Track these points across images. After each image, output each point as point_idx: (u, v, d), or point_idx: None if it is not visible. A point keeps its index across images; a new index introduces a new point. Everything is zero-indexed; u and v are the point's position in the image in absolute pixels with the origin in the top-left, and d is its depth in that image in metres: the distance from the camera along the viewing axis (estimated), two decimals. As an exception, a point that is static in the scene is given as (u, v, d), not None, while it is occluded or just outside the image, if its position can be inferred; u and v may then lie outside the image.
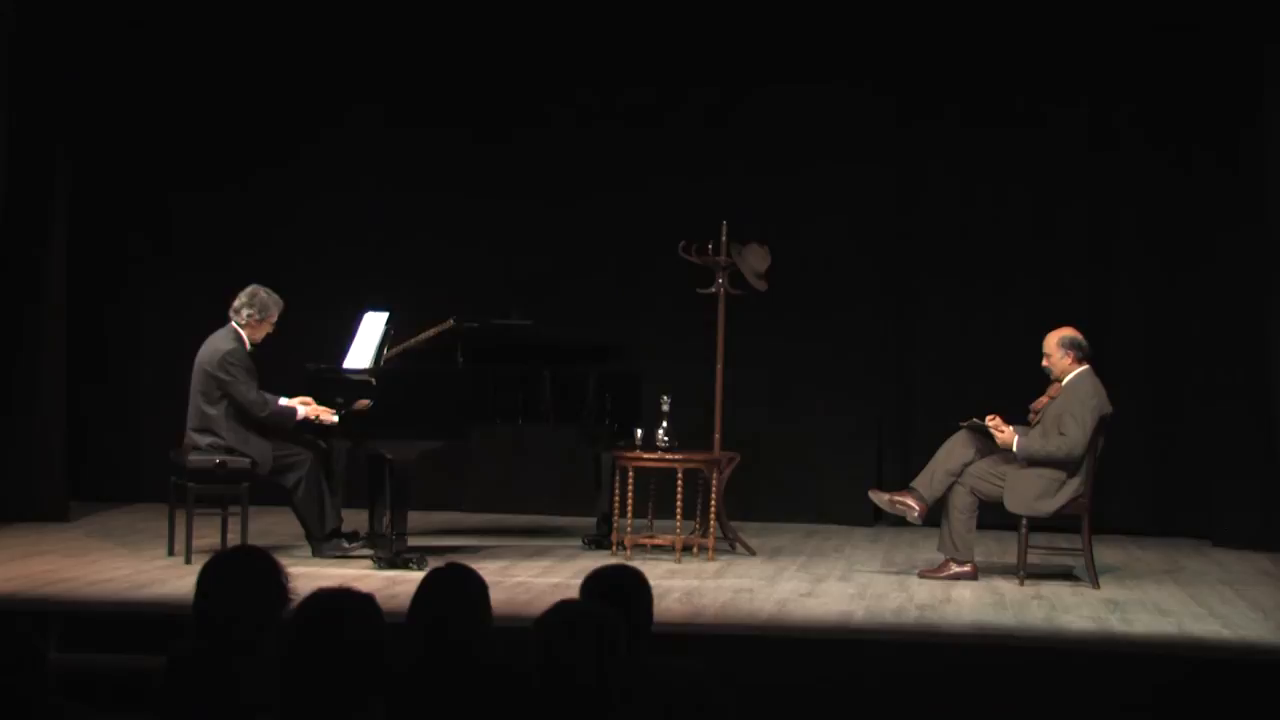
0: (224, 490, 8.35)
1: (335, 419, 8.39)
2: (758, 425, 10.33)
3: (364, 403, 8.23)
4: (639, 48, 10.55)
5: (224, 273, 8.67)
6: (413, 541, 8.40)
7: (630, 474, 8.78)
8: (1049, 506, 8.33)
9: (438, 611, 3.91)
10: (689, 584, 8.05)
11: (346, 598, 3.26)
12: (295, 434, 8.53)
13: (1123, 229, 10.44)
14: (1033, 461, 8.32)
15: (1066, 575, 8.57)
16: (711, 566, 8.70)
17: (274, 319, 8.51)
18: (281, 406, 8.42)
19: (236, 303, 8.49)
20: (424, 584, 4.00)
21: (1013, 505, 8.35)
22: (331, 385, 8.58)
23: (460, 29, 10.65)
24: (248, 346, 8.44)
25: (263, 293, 8.49)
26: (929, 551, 8.84)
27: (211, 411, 8.38)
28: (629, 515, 8.80)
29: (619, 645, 3.45)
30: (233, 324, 8.48)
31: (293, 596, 3.64)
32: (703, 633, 6.87)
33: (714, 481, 8.88)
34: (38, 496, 9.77)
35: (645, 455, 8.80)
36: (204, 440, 8.38)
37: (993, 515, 8.59)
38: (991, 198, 10.55)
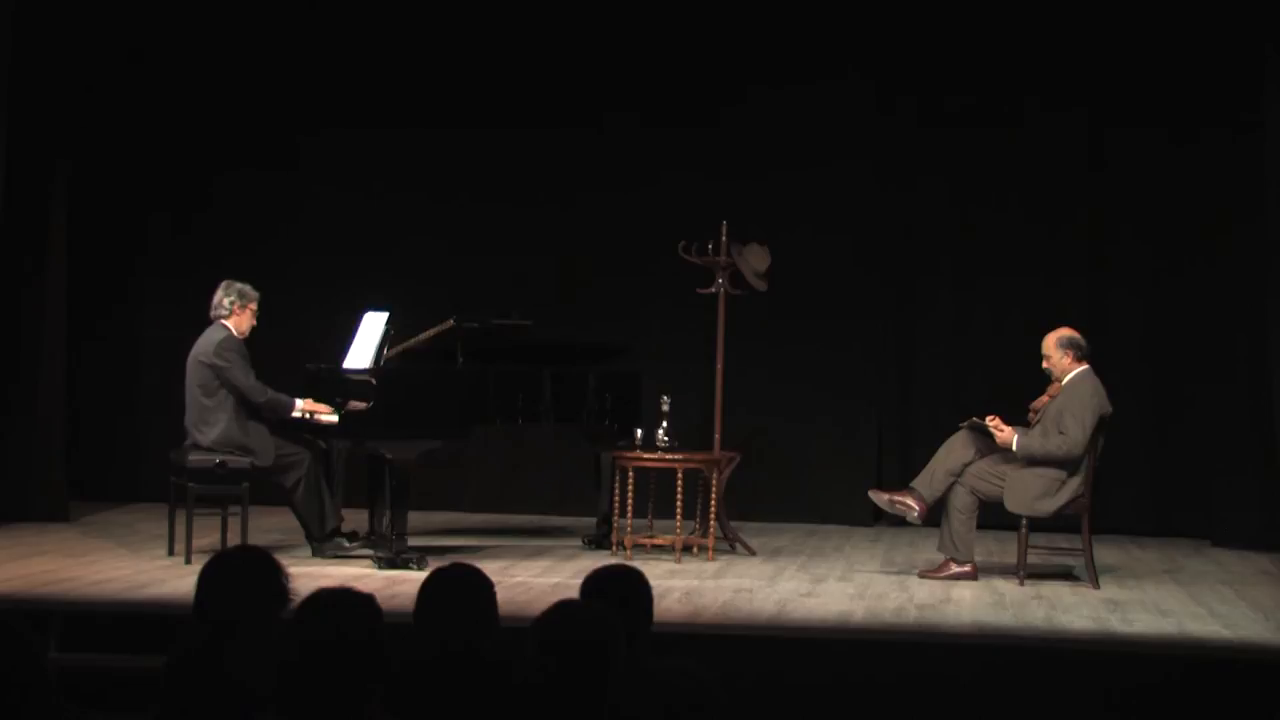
0: (224, 490, 8.35)
1: (334, 418, 8.39)
2: (758, 425, 10.33)
3: (358, 404, 8.23)
4: (638, 48, 10.55)
5: (224, 273, 8.65)
6: (413, 541, 8.39)
7: (630, 474, 8.78)
8: (1049, 506, 8.32)
9: (447, 613, 3.89)
10: (689, 584, 8.05)
11: (346, 598, 3.26)
12: (294, 434, 8.53)
13: (1122, 228, 10.44)
14: (1032, 461, 8.32)
15: (1066, 575, 8.56)
16: (711, 566, 8.70)
17: (254, 305, 8.52)
18: (279, 395, 8.43)
19: (214, 302, 8.50)
20: (431, 585, 3.97)
21: (1013, 505, 8.34)
22: (331, 385, 8.58)
23: (461, 29, 10.65)
24: (238, 337, 8.46)
25: (236, 284, 8.52)
26: (929, 551, 8.83)
27: (209, 403, 8.37)
28: (629, 515, 8.80)
29: (619, 645, 3.45)
30: (219, 321, 8.49)
31: (293, 596, 3.64)
32: (703, 633, 6.86)
33: (714, 481, 8.88)
34: (38, 496, 9.77)
35: (645, 455, 8.80)
36: (204, 436, 8.38)
37: (993, 515, 8.59)
38: (991, 197, 10.55)
